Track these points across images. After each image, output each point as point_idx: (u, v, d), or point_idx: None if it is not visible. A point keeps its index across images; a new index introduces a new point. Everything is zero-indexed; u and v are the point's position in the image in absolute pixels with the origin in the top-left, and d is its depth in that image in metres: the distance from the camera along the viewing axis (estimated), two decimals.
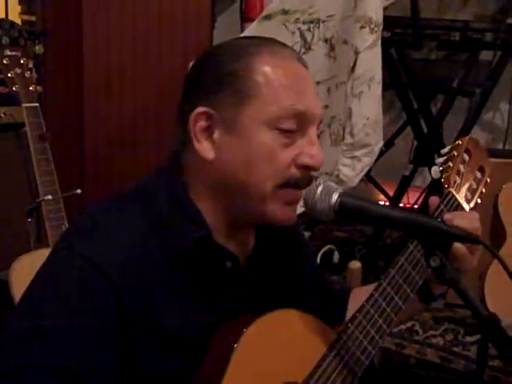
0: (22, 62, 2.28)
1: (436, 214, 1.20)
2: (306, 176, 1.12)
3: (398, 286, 1.14)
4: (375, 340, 1.12)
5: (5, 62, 2.25)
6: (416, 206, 3.30)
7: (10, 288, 2.11)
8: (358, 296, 1.33)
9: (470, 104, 3.01)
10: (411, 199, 3.38)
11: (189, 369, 1.07)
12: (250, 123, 1.10)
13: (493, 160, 1.39)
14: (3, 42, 2.28)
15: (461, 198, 1.25)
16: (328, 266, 2.79)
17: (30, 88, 2.29)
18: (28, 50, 2.92)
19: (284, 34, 2.67)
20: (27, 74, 2.28)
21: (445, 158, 1.29)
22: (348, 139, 2.53)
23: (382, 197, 3.49)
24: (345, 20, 2.58)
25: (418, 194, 3.31)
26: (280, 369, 1.07)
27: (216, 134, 1.12)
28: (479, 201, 1.30)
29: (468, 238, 1.08)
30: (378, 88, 2.52)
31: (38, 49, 3.14)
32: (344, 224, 3.43)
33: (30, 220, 2.28)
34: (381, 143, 2.60)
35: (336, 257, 2.90)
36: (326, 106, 2.62)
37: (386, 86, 2.65)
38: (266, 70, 1.11)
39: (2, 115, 3.12)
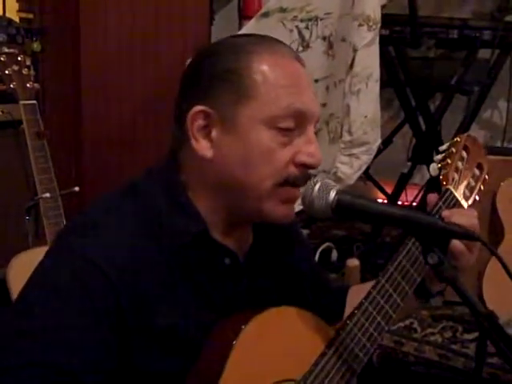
0: (19, 59, 2.28)
1: (434, 211, 1.20)
2: (304, 174, 1.13)
3: (397, 283, 1.14)
4: (374, 337, 1.12)
5: (2, 59, 2.25)
6: (414, 204, 3.30)
7: (8, 286, 2.12)
8: (357, 293, 1.33)
9: (469, 102, 3.02)
10: (409, 197, 3.38)
11: (188, 367, 1.07)
12: (248, 122, 1.10)
13: (491, 158, 1.39)
14: (0, 39, 2.28)
15: (459, 195, 1.25)
16: (326, 264, 2.79)
17: (28, 85, 2.28)
18: (26, 48, 2.93)
19: (282, 31, 2.67)
20: (25, 72, 2.28)
21: (443, 155, 1.29)
22: (346, 137, 2.53)
23: (380, 195, 3.48)
24: (343, 18, 2.58)
25: (416, 192, 3.30)
26: (278, 366, 1.07)
27: (214, 133, 1.11)
28: (477, 198, 1.30)
29: (466, 235, 1.08)
30: (376, 86, 2.51)
31: (36, 46, 3.14)
32: (342, 222, 3.43)
33: (28, 218, 2.28)
34: (379, 141, 2.59)
35: (334, 255, 2.90)
36: (324, 104, 2.62)
37: (384, 84, 2.65)
38: (264, 69, 1.11)
39: (0, 113, 3.12)
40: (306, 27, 2.67)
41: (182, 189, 1.14)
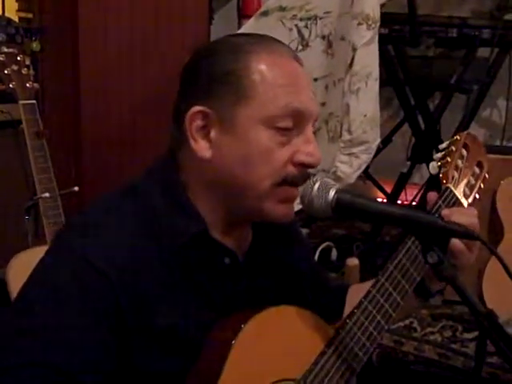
0: (18, 58, 2.28)
1: (434, 209, 1.20)
2: (302, 173, 1.13)
3: (397, 282, 1.14)
4: (373, 336, 1.12)
5: (1, 58, 2.25)
6: (414, 203, 3.30)
7: (8, 285, 2.12)
8: (356, 292, 1.32)
9: (468, 101, 3.01)
10: (409, 196, 3.38)
11: (188, 367, 1.06)
12: (246, 122, 1.10)
13: (490, 157, 1.39)
14: (0, 38, 2.28)
15: (459, 193, 1.25)
16: (326, 264, 2.79)
17: (27, 85, 2.28)
18: (25, 47, 2.93)
19: (281, 30, 2.67)
20: (24, 71, 2.28)
21: (443, 153, 1.29)
22: (345, 136, 2.53)
23: (380, 194, 3.48)
24: (342, 17, 2.58)
25: (415, 191, 3.30)
26: (278, 365, 1.07)
27: (212, 134, 1.11)
28: (477, 196, 1.30)
29: (465, 234, 1.08)
30: (375, 85, 2.51)
31: (35, 46, 3.14)
32: (342, 221, 3.43)
33: (27, 218, 2.28)
34: (378, 140, 2.59)
35: (334, 254, 2.89)
36: (324, 103, 2.62)
37: (383, 83, 2.65)
38: (262, 69, 1.11)
39: None
40: (306, 26, 2.67)
41: (181, 189, 1.14)
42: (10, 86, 2.26)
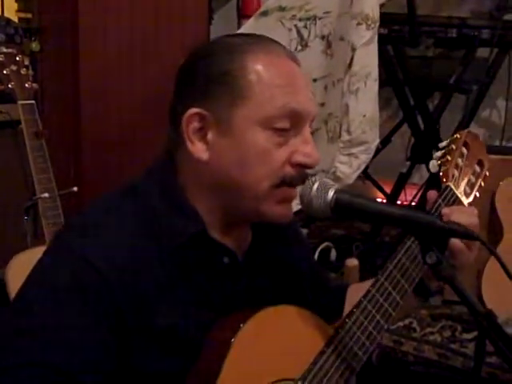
0: (17, 59, 2.28)
1: (434, 208, 1.20)
2: (300, 174, 1.12)
3: (396, 282, 1.14)
4: (373, 336, 1.11)
5: (0, 58, 2.25)
6: (414, 204, 3.30)
7: (7, 286, 2.11)
8: (356, 292, 1.32)
9: (467, 101, 3.01)
10: (409, 196, 3.38)
11: (188, 367, 1.06)
12: (243, 123, 1.10)
13: (490, 157, 1.39)
14: None
15: (459, 192, 1.25)
16: (325, 264, 2.79)
17: (26, 85, 2.28)
18: (24, 48, 2.92)
19: (281, 30, 2.67)
20: (23, 71, 2.28)
21: (443, 151, 1.29)
22: (345, 136, 2.53)
23: (379, 194, 3.48)
24: (341, 17, 2.58)
25: (415, 191, 3.30)
26: (277, 364, 1.07)
27: (209, 135, 1.11)
28: (478, 195, 1.29)
29: (465, 233, 1.08)
30: (374, 85, 2.52)
31: (35, 46, 3.14)
32: (341, 221, 3.43)
33: (26, 218, 2.28)
34: (377, 140, 2.59)
35: (333, 254, 2.89)
36: (323, 104, 2.62)
37: (382, 83, 2.65)
38: (259, 69, 1.10)
39: None
40: (305, 26, 2.67)
41: (179, 190, 1.14)
42: (9, 86, 2.25)
